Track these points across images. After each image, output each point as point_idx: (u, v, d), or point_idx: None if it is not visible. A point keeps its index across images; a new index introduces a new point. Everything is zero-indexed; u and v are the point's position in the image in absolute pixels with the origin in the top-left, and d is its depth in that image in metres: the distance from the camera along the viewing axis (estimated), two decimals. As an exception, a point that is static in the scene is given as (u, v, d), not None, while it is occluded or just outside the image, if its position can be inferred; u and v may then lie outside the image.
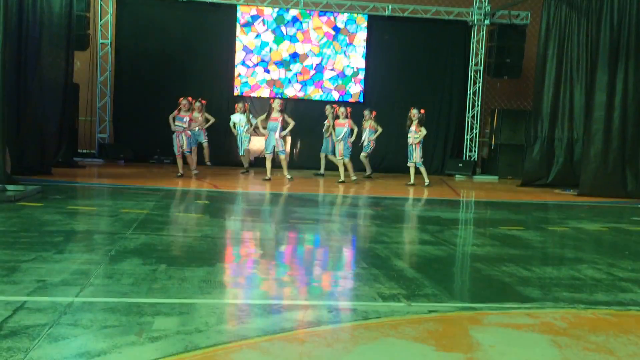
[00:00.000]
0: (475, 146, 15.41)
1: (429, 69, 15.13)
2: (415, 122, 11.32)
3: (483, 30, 15.13)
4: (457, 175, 14.55)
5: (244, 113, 12.44)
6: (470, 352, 2.68)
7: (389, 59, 14.98)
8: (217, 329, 2.82)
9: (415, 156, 11.41)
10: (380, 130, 12.46)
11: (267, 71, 14.71)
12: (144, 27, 14.26)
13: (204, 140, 12.09)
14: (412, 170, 11.54)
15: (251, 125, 12.41)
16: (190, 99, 11.20)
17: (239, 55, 14.62)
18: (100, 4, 14.17)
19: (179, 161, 11.20)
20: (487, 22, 14.90)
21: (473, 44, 15.21)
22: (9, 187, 7.23)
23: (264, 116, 11.47)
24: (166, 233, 5.54)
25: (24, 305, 3.04)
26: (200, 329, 2.80)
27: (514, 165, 14.39)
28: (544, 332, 3.01)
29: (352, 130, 11.64)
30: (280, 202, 8.94)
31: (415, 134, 11.30)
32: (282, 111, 11.22)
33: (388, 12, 14.76)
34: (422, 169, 11.53)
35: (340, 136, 11.34)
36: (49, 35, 10.36)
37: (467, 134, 15.36)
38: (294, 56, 14.78)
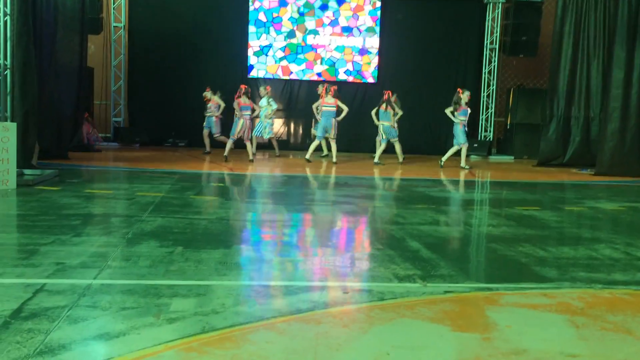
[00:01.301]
0: (490, 126, 15.28)
1: (443, 48, 14.97)
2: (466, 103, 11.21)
3: (498, 8, 14.92)
4: (472, 156, 14.46)
5: (266, 96, 12.42)
6: (487, 332, 2.68)
7: (403, 39, 14.84)
8: (233, 310, 2.85)
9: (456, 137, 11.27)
10: (400, 113, 12.35)
11: (281, 55, 14.66)
12: (156, 10, 14.23)
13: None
14: (463, 152, 11.34)
15: (272, 110, 12.41)
16: (243, 86, 11.46)
17: (252, 36, 14.57)
18: (113, -13, 14.17)
19: (248, 145, 11.33)
20: (502, -1, 14.68)
21: (488, 22, 15.02)
22: (27, 171, 7.31)
23: (319, 102, 11.51)
24: (182, 216, 5.57)
25: (44, 287, 3.08)
26: (217, 310, 2.82)
27: (530, 145, 14.25)
28: (561, 312, 3.00)
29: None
30: (296, 184, 8.95)
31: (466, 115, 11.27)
32: (322, 96, 11.41)
33: (402, -9, 14.59)
34: (464, 149, 11.39)
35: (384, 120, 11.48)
36: (62, 19, 10.37)
37: (482, 114, 15.23)
38: (307, 37, 14.70)
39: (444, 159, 11.40)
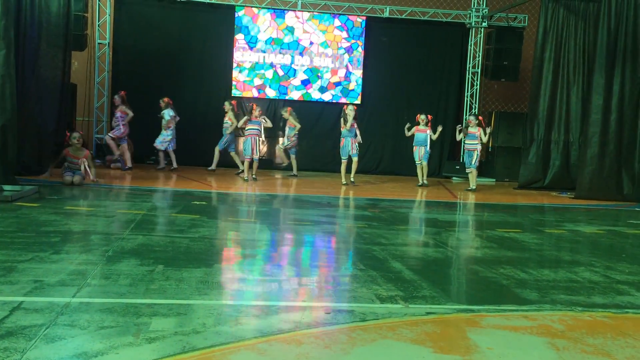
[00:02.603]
0: (472, 148, 15.41)
1: (426, 71, 15.15)
2: (477, 127, 11.42)
3: (481, 33, 15.17)
4: (454, 178, 14.58)
5: (166, 110, 12.58)
6: (468, 355, 2.68)
7: (386, 61, 15.00)
8: (214, 330, 2.82)
9: (475, 161, 11.51)
10: (298, 126, 12.60)
11: (265, 72, 14.72)
12: (141, 28, 14.25)
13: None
14: (473, 176, 11.61)
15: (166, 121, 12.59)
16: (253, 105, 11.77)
17: (237, 55, 14.63)
18: (98, 4, 14.17)
19: (247, 165, 11.35)
20: (484, 24, 14.93)
21: (471, 46, 15.25)
22: (6, 187, 7.22)
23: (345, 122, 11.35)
24: (163, 234, 5.53)
25: (21, 305, 3.03)
26: (197, 330, 2.79)
27: (511, 168, 14.41)
28: (542, 334, 3.02)
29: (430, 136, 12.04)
30: (279, 203, 8.93)
31: (476, 139, 11.42)
32: (355, 118, 11.34)
33: (386, 14, 14.78)
34: (475, 173, 11.65)
35: (421, 141, 11.98)
36: (46, 35, 10.34)
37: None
38: (292, 57, 14.79)
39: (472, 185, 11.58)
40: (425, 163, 12.16)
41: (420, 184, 12.09)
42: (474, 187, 11.48)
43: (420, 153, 12.08)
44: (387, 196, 10.19)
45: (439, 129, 11.99)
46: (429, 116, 12.07)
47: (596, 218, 8.56)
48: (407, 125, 12.07)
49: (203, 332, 2.76)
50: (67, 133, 9.61)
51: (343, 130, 11.35)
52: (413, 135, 12.06)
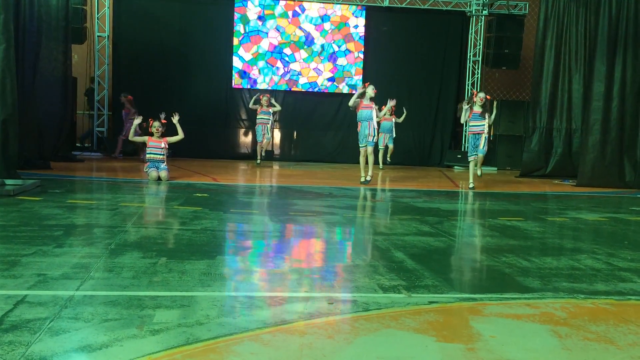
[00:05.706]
0: (474, 137, 15.38)
1: (427, 60, 15.11)
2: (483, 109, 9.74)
3: (481, 21, 15.11)
4: (455, 167, 14.57)
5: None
6: (471, 343, 2.69)
7: (386, 50, 14.96)
8: (218, 321, 2.83)
9: (484, 145, 9.85)
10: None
11: (266, 63, 14.68)
12: (141, 20, 14.21)
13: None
14: (472, 166, 10.02)
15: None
16: (268, 95, 12.99)
17: (236, 46, 14.58)
18: (97, -3, 14.13)
19: (259, 148, 12.90)
20: (485, 12, 14.87)
21: (471, 34, 15.19)
22: (8, 181, 7.23)
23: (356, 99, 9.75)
24: (166, 226, 5.54)
25: (25, 299, 3.04)
26: (201, 321, 2.81)
27: (512, 156, 14.41)
28: (544, 322, 3.02)
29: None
30: (280, 194, 8.93)
31: (483, 121, 9.73)
32: (372, 98, 9.73)
33: (386, 3, 14.72)
34: (481, 160, 10.13)
35: (387, 129, 13.06)
36: (46, 29, 10.33)
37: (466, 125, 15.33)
38: (291, 47, 14.75)
39: (479, 174, 10.23)
40: (391, 146, 13.17)
41: (382, 167, 13.07)
42: (473, 183, 9.90)
43: (385, 139, 13.07)
44: (389, 186, 10.18)
45: (404, 112, 13.22)
46: (393, 107, 12.63)
47: (598, 205, 8.55)
48: (379, 111, 10.94)
49: (207, 324, 2.78)
50: (149, 120, 9.55)
51: (359, 111, 9.77)
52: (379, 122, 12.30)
